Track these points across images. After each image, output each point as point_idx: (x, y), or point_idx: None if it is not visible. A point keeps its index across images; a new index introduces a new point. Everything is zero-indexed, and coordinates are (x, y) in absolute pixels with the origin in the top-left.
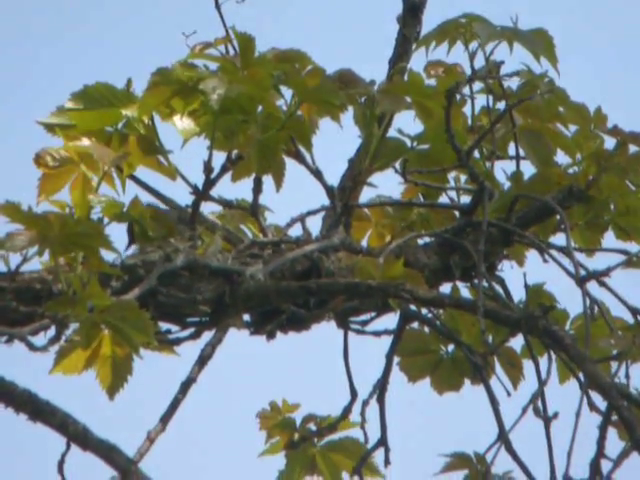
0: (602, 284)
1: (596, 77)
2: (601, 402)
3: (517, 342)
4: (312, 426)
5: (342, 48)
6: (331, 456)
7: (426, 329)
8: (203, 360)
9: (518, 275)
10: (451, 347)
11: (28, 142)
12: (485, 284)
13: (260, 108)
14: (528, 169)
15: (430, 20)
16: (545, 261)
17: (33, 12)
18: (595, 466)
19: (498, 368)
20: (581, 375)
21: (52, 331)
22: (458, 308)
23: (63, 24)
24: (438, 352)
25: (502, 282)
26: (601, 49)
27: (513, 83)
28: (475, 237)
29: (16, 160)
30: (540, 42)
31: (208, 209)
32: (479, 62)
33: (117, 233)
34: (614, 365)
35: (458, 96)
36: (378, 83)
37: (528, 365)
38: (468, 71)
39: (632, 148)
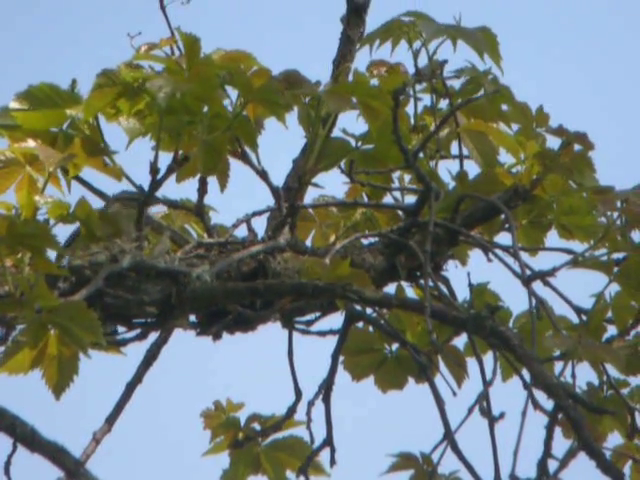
0: (547, 284)
1: (537, 75)
2: (545, 401)
3: (460, 341)
4: (256, 425)
5: (287, 49)
6: (276, 455)
7: (371, 328)
8: (148, 361)
9: (462, 275)
10: (395, 346)
11: None
12: (431, 284)
13: (206, 109)
14: (472, 169)
15: (374, 21)
16: (490, 260)
17: None
18: (542, 466)
19: (442, 367)
20: (525, 373)
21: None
22: (405, 309)
23: (7, 22)
24: (382, 351)
25: (447, 282)
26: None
27: (457, 82)
28: (421, 237)
29: None
30: (484, 40)
31: (153, 210)
32: (423, 61)
33: (63, 234)
34: (559, 365)
35: (402, 96)
36: (323, 84)
37: (472, 363)
38: (411, 70)
39: (576, 147)
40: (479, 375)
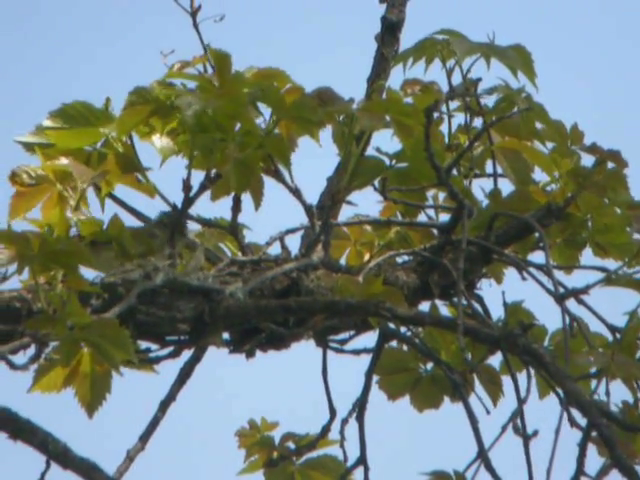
0: (581, 302)
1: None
2: (581, 418)
3: (496, 359)
4: (291, 444)
5: (321, 68)
6: (310, 474)
7: (405, 347)
8: (182, 378)
9: (497, 293)
10: (430, 365)
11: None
12: (464, 302)
13: (238, 126)
14: (506, 187)
15: (408, 40)
16: (524, 279)
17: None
18: None
19: (477, 385)
20: (561, 391)
21: (32, 350)
22: (438, 326)
23: (37, 41)
24: (417, 370)
25: (481, 300)
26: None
27: (490, 100)
28: (454, 255)
29: None
30: (518, 57)
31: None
32: (456, 79)
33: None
34: (594, 382)
35: (436, 114)
36: (357, 101)
37: (507, 382)
38: (445, 88)
39: (610, 165)
40: (513, 394)
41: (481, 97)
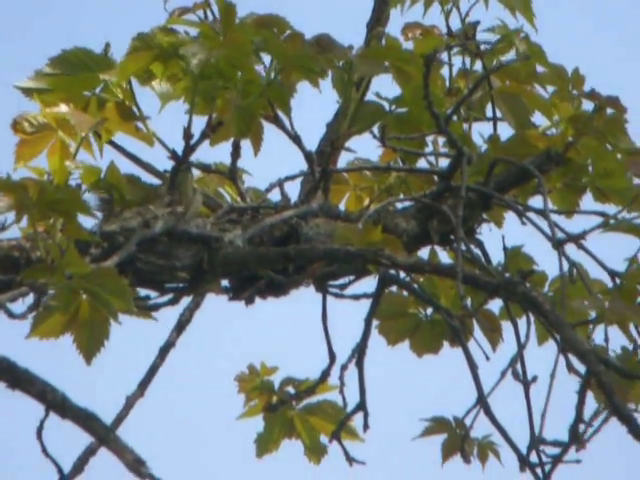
0: (580, 247)
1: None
2: (579, 365)
3: (495, 304)
4: (290, 389)
5: (320, 11)
6: (310, 419)
7: (405, 292)
8: (181, 325)
9: (497, 238)
10: (430, 310)
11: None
12: (463, 248)
13: (239, 73)
14: (505, 131)
15: None
16: (523, 223)
17: None
18: (574, 431)
19: (477, 331)
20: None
21: (30, 298)
22: (437, 274)
23: None
24: (417, 315)
25: (481, 245)
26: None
27: (489, 40)
28: (454, 202)
29: None
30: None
31: None
32: (455, 21)
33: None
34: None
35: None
36: (356, 48)
37: (507, 327)
38: (444, 31)
39: (609, 111)
40: (513, 339)
41: (481, 42)
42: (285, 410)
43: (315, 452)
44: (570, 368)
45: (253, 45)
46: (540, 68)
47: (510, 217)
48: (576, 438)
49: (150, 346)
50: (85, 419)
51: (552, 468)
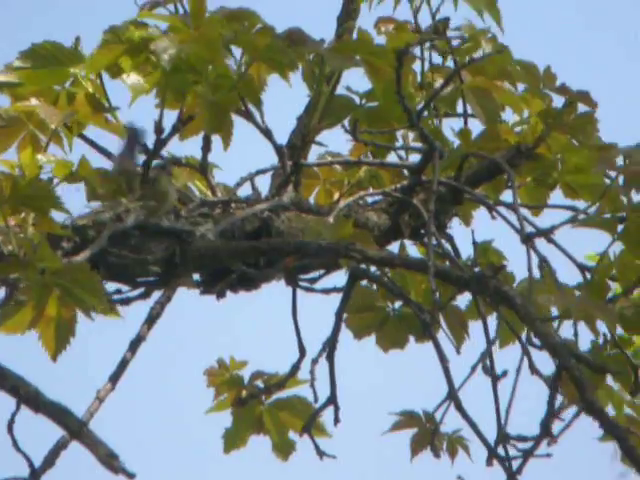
0: (550, 241)
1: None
2: (547, 362)
3: (462, 301)
4: (260, 383)
5: (291, 6)
6: (278, 414)
7: (374, 286)
8: (152, 319)
9: (467, 232)
10: (398, 304)
11: None
12: (435, 242)
13: (210, 68)
14: (476, 127)
15: None
16: (493, 218)
17: None
18: (546, 425)
19: (444, 327)
20: (524, 337)
21: (2, 293)
22: (408, 268)
23: None
24: (384, 309)
25: (451, 239)
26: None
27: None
28: (425, 196)
29: None
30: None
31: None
32: (425, 18)
33: (69, 192)
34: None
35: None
36: (327, 42)
37: (473, 325)
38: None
39: (581, 108)
40: (479, 337)
41: (451, 39)
42: (254, 405)
43: (283, 448)
44: (533, 369)
45: (223, 38)
46: (514, 67)
47: (480, 213)
48: (547, 432)
49: (121, 340)
50: (59, 413)
51: (523, 462)
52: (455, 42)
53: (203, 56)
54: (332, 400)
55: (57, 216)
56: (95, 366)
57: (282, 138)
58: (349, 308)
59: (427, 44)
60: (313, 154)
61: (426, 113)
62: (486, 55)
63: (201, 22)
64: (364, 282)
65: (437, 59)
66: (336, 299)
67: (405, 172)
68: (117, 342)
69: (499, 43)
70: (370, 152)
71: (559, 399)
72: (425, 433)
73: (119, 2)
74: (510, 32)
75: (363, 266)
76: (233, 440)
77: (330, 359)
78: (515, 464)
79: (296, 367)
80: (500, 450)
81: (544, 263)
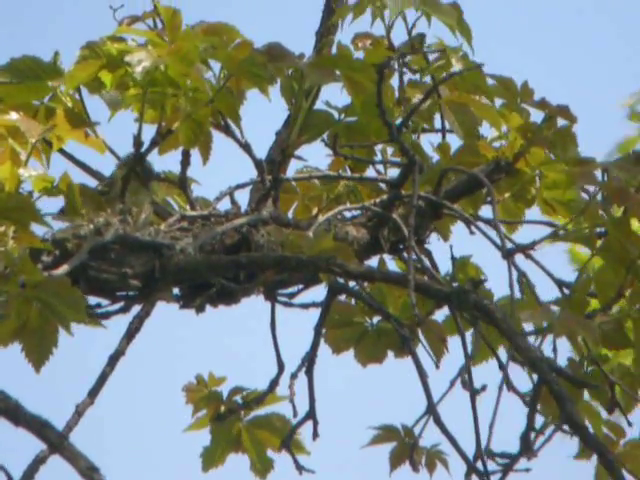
0: (528, 257)
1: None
2: (524, 377)
3: (440, 316)
4: (239, 399)
5: (270, 21)
6: (256, 432)
7: (353, 301)
8: (131, 333)
9: (445, 248)
10: (376, 319)
11: None
12: (414, 256)
13: (189, 82)
14: (455, 142)
15: None
16: (472, 233)
17: None
18: (525, 439)
19: (423, 342)
20: (501, 353)
21: None
22: (388, 282)
23: None
24: (363, 324)
25: (429, 255)
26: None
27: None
28: (404, 210)
29: None
30: (453, 14)
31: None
32: (401, 34)
33: (47, 207)
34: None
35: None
36: (307, 56)
37: (452, 340)
38: (394, 43)
39: (560, 122)
40: (459, 351)
41: (428, 53)
42: (232, 423)
43: (262, 467)
44: (509, 387)
45: (200, 52)
46: (491, 81)
47: (458, 227)
48: (527, 447)
49: (100, 354)
50: (39, 426)
51: (503, 477)
52: (431, 58)
53: (179, 69)
54: (311, 415)
55: (37, 229)
56: (74, 380)
57: (261, 152)
58: (328, 323)
59: (402, 61)
60: (291, 169)
61: (405, 128)
62: (463, 70)
63: (177, 36)
64: (343, 297)
65: (413, 76)
66: (315, 314)
67: (384, 187)
68: (96, 356)
69: (470, 61)
70: (348, 167)
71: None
72: (404, 447)
73: (99, 18)
74: (485, 46)
75: (342, 281)
76: (211, 458)
77: (309, 374)
78: (494, 478)
79: (275, 382)
80: (479, 464)
81: (523, 278)
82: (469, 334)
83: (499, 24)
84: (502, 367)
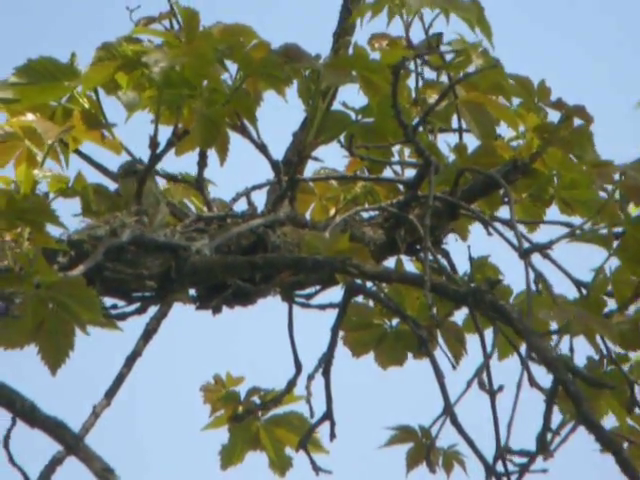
0: (546, 256)
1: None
2: (544, 376)
3: (459, 316)
4: (256, 399)
5: (288, 22)
6: (275, 431)
7: (370, 303)
8: (148, 334)
9: (463, 248)
10: (395, 321)
11: None
12: (430, 257)
13: (205, 82)
14: (471, 142)
15: None
16: (489, 234)
17: None
18: (542, 439)
19: (441, 342)
20: (523, 350)
21: None
22: (405, 283)
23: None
24: (382, 326)
25: (447, 255)
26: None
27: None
28: (421, 211)
29: None
30: (474, 11)
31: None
32: (418, 33)
33: (63, 208)
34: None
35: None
36: (323, 57)
37: (471, 339)
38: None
39: (577, 121)
40: (477, 351)
41: (444, 53)
42: (250, 422)
43: (280, 464)
44: (532, 382)
45: (217, 53)
46: (510, 81)
47: (476, 228)
48: (544, 447)
49: (117, 355)
50: (54, 428)
51: (519, 477)
52: (448, 57)
53: (195, 70)
54: (328, 416)
55: (53, 230)
56: (91, 381)
57: (278, 153)
58: (346, 326)
59: (420, 61)
60: (308, 170)
61: (421, 128)
62: (479, 69)
63: (194, 36)
64: (360, 298)
65: (430, 75)
66: (332, 315)
67: (401, 187)
68: (113, 357)
69: (491, 57)
70: (366, 168)
71: (560, 416)
72: (421, 448)
73: (116, 19)
74: (502, 47)
75: (359, 281)
76: (230, 456)
77: (326, 375)
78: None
79: (292, 383)
80: (499, 466)
81: (540, 278)
82: (489, 332)
83: (499, 24)
84: (525, 364)
